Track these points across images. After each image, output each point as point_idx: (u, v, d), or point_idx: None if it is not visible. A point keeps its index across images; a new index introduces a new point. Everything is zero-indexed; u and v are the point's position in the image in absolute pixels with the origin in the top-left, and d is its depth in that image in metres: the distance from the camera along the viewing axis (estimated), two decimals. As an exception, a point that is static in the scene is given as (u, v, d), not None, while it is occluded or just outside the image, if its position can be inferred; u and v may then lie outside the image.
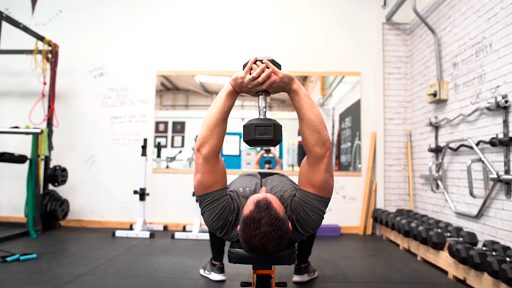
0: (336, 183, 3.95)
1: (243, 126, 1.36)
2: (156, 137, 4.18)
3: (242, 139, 1.40)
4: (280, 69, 1.36)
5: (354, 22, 4.19)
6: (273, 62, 1.36)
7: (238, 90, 1.37)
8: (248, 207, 1.29)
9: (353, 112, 4.11)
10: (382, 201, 3.88)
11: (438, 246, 2.47)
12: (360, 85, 4.12)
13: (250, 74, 1.33)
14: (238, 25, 4.27)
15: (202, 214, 1.42)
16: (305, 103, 1.33)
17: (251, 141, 1.32)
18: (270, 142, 1.32)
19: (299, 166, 4.10)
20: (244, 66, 1.38)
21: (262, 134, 1.31)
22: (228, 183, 1.56)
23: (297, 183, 1.77)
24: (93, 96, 4.22)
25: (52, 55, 3.93)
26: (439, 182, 3.14)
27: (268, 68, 1.33)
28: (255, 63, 1.35)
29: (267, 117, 1.37)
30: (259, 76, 1.32)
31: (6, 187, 4.13)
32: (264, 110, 1.38)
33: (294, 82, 1.35)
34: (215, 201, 1.37)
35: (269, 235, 1.22)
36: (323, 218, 1.42)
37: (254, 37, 4.24)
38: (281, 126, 1.36)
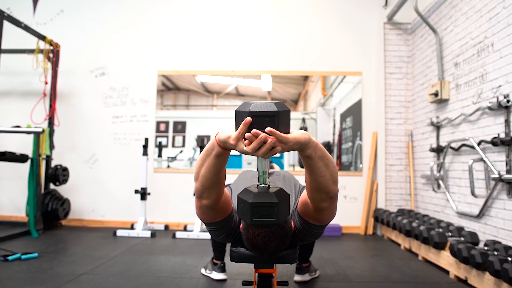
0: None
1: (237, 197, 1.06)
2: (157, 136, 4.18)
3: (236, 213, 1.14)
4: (288, 118, 0.96)
5: (355, 22, 4.19)
6: (277, 116, 0.91)
7: (230, 149, 1.04)
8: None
9: (354, 112, 4.11)
10: (383, 201, 3.87)
11: (439, 245, 2.47)
12: (361, 85, 4.12)
13: (245, 140, 0.95)
14: (239, 24, 4.27)
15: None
16: (317, 167, 1.06)
17: (248, 223, 1.04)
18: (272, 225, 1.04)
19: (300, 166, 4.10)
20: (237, 117, 0.95)
21: (263, 217, 1.01)
22: (231, 181, 1.54)
23: (300, 184, 1.76)
24: (94, 96, 4.23)
25: (53, 55, 3.93)
26: (440, 182, 3.14)
27: (270, 135, 0.93)
28: (251, 128, 0.92)
29: (270, 185, 1.06)
30: (256, 150, 0.95)
31: (8, 186, 4.13)
32: (265, 176, 1.05)
33: (308, 147, 1.01)
34: (220, 229, 1.33)
35: (272, 233, 1.22)
36: None
37: (255, 36, 4.24)
38: (288, 197, 1.06)
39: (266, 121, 0.92)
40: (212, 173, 1.09)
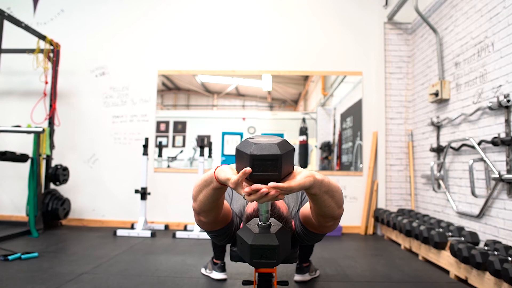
0: (338, 183, 3.94)
1: (237, 234, 1.04)
2: (157, 136, 4.18)
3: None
4: (292, 156, 0.91)
5: (355, 22, 4.19)
6: (280, 160, 0.86)
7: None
8: (251, 205, 1.29)
9: (355, 112, 4.11)
10: (383, 200, 3.87)
11: (439, 245, 2.46)
12: (361, 84, 4.11)
13: (243, 187, 0.91)
14: (240, 24, 4.27)
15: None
16: (323, 201, 1.04)
17: (248, 263, 1.01)
18: (272, 266, 1.01)
19: (300, 165, 4.09)
20: (238, 156, 0.90)
21: (263, 258, 0.99)
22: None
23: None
24: (95, 95, 4.23)
25: (53, 54, 3.93)
26: (440, 181, 3.14)
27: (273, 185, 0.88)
28: (252, 172, 0.87)
29: (271, 222, 1.04)
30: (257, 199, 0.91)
31: (8, 186, 4.14)
32: (267, 215, 1.03)
33: (313, 187, 0.96)
34: (220, 235, 1.32)
35: None
36: None
37: (255, 36, 4.24)
38: (289, 234, 1.04)
39: (268, 164, 0.86)
40: (210, 201, 1.09)
